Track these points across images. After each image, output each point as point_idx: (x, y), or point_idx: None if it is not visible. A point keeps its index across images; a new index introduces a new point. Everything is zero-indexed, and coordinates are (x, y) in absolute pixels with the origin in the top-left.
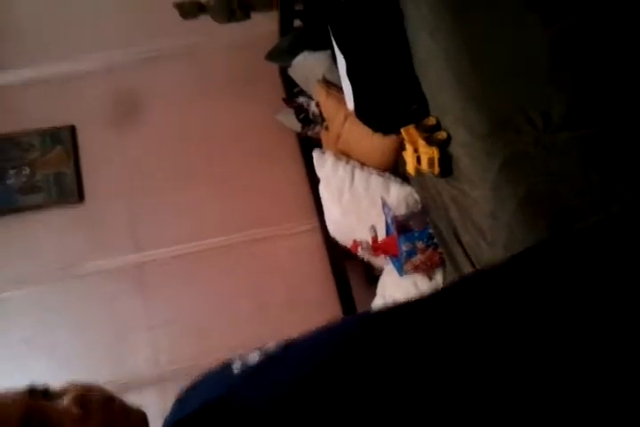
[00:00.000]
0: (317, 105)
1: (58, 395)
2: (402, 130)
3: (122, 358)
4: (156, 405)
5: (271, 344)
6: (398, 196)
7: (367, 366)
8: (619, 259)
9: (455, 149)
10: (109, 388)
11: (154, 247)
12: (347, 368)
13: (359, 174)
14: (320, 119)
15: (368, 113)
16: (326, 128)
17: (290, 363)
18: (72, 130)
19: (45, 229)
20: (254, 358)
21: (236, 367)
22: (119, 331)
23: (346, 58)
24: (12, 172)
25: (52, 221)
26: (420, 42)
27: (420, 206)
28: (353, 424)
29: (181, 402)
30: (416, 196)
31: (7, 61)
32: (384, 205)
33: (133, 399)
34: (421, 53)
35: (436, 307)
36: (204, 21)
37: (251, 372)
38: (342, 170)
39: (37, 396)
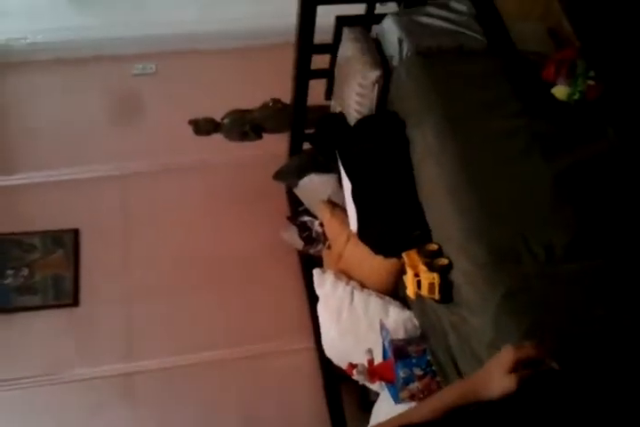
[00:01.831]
0: (321, 224)
1: None
2: (403, 254)
3: None
4: None
5: None
6: (397, 320)
7: None
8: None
9: (456, 276)
10: None
11: (145, 357)
12: None
13: (359, 295)
14: (323, 238)
15: (370, 235)
16: (328, 247)
17: None
18: (75, 233)
19: (37, 331)
20: None
21: None
22: None
23: (352, 181)
24: (10, 271)
25: (46, 323)
26: (425, 170)
27: (419, 332)
28: None
29: None
30: (415, 321)
31: (20, 164)
32: (382, 328)
33: None
34: (425, 181)
35: None
36: (217, 138)
37: None
38: (342, 290)
39: None
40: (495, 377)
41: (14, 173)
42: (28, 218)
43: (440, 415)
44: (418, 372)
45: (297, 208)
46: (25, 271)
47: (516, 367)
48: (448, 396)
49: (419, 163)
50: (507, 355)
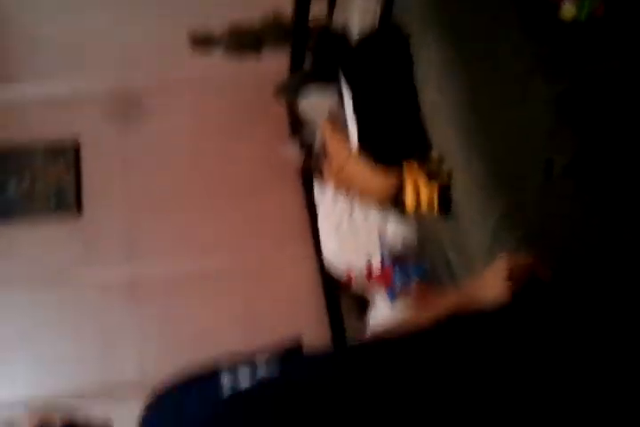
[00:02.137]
0: (322, 140)
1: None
2: (405, 167)
3: (109, 366)
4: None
5: (261, 359)
6: (396, 232)
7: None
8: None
9: (456, 192)
10: (94, 394)
11: (148, 263)
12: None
13: (359, 207)
14: (324, 153)
15: (371, 143)
16: (329, 159)
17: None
18: (76, 143)
19: (42, 239)
20: (245, 377)
21: (226, 387)
22: (108, 341)
23: (353, 92)
24: (13, 181)
25: (50, 231)
26: (428, 88)
27: (416, 244)
28: None
29: (160, 409)
30: (413, 234)
31: (18, 74)
32: (381, 238)
33: (118, 408)
34: (428, 99)
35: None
36: (216, 55)
37: (240, 402)
38: (342, 202)
39: None
40: (489, 285)
41: (14, 81)
42: (28, 129)
43: (434, 324)
44: (415, 279)
45: (297, 125)
46: (27, 181)
47: (511, 276)
48: (443, 305)
49: (422, 80)
50: (501, 264)
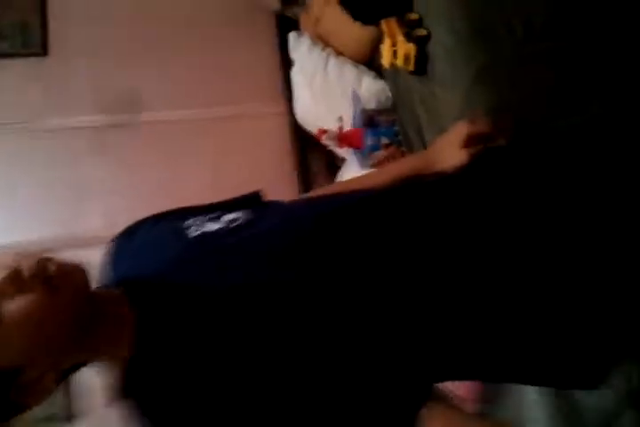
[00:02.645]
0: None
1: None
2: (382, 22)
3: (78, 216)
4: None
5: (231, 215)
6: (370, 89)
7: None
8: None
9: (433, 49)
10: (63, 244)
11: (114, 111)
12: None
13: (334, 62)
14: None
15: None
16: (307, 10)
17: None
18: None
19: (6, 80)
20: (211, 221)
21: (193, 229)
22: (77, 190)
23: None
24: None
25: (14, 71)
26: None
27: (390, 103)
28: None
29: (129, 238)
30: (388, 92)
31: None
32: (354, 96)
33: (85, 256)
34: None
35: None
36: None
37: (208, 241)
38: (317, 55)
39: None
40: (449, 150)
41: None
42: None
43: (392, 184)
44: (385, 141)
45: None
46: None
47: (470, 142)
48: (403, 166)
49: None
50: (461, 129)
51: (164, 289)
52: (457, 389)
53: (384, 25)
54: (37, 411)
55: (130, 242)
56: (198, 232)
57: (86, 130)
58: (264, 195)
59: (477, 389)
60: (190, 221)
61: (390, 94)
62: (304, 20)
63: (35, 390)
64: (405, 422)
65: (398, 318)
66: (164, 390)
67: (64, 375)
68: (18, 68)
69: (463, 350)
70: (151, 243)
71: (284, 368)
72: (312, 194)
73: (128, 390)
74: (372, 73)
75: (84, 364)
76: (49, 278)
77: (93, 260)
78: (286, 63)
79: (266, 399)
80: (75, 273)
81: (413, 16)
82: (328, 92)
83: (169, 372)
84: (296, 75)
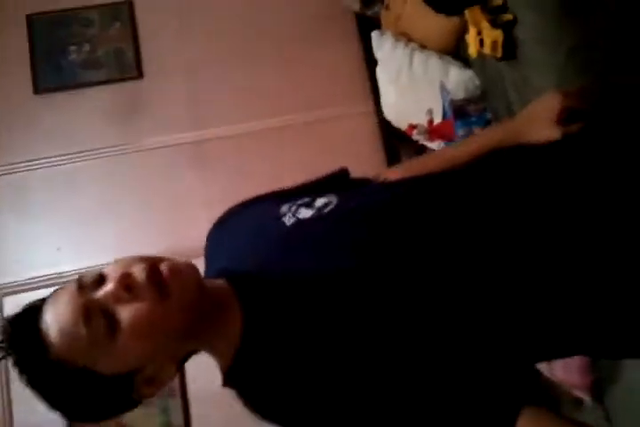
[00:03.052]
0: None
1: (103, 279)
2: (466, 11)
3: (183, 227)
4: None
5: (322, 200)
6: (458, 80)
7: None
8: None
9: (521, 33)
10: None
11: (213, 125)
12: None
13: (418, 56)
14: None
15: None
16: (387, 8)
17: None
18: (130, 5)
19: (106, 104)
20: (304, 206)
21: (288, 220)
22: (178, 204)
23: None
24: (72, 48)
25: (113, 96)
26: None
27: (479, 92)
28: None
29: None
30: (476, 80)
31: None
32: (442, 88)
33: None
34: None
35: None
36: None
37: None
38: (401, 51)
39: (86, 289)
40: (539, 124)
41: None
42: None
43: (479, 155)
44: (477, 130)
45: None
46: (87, 47)
47: (562, 117)
48: (489, 137)
49: None
50: (554, 102)
51: (266, 280)
52: (568, 378)
53: (467, 14)
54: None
55: (225, 232)
56: (294, 220)
57: (184, 146)
58: (350, 172)
59: (587, 378)
60: (285, 208)
61: (478, 83)
62: (385, 18)
63: (154, 384)
64: (505, 414)
65: (481, 300)
66: (268, 378)
67: (179, 364)
68: (117, 92)
69: (537, 326)
70: (248, 233)
71: (382, 359)
72: (405, 165)
73: (236, 378)
74: (459, 63)
75: (196, 351)
76: (160, 284)
77: (201, 269)
78: (370, 62)
79: (365, 393)
80: (186, 272)
81: (497, 2)
82: (415, 86)
83: (273, 361)
84: (381, 73)
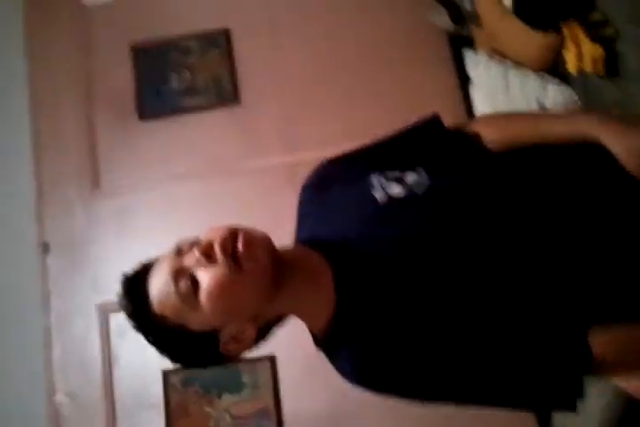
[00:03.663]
0: (471, 1)
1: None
2: (564, 26)
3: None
4: None
5: (412, 176)
6: (556, 98)
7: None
8: None
9: (623, 47)
10: None
11: (305, 148)
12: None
13: (514, 74)
14: (474, 17)
15: (527, 7)
16: (480, 26)
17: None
18: (227, 33)
19: (207, 129)
20: (397, 191)
21: (380, 196)
22: (274, 222)
23: None
24: (173, 75)
25: (213, 121)
26: None
27: (579, 108)
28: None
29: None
30: (576, 98)
31: None
32: (540, 105)
33: None
34: None
35: None
36: None
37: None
38: (496, 70)
39: (182, 253)
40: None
41: None
42: (178, 21)
43: (572, 141)
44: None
45: None
46: (187, 74)
47: None
48: (592, 127)
49: None
50: None
51: (359, 252)
52: None
53: (565, 29)
54: None
55: (315, 196)
56: (385, 197)
57: (279, 168)
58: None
59: None
60: (375, 180)
61: (578, 100)
62: (478, 37)
63: (237, 342)
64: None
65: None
66: (365, 339)
67: (268, 327)
68: (216, 118)
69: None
70: (340, 202)
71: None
72: (500, 121)
73: (332, 341)
74: (556, 80)
75: (283, 317)
76: (236, 255)
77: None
78: (464, 82)
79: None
80: (260, 242)
81: (597, 16)
82: (511, 104)
83: (369, 323)
84: (476, 92)
